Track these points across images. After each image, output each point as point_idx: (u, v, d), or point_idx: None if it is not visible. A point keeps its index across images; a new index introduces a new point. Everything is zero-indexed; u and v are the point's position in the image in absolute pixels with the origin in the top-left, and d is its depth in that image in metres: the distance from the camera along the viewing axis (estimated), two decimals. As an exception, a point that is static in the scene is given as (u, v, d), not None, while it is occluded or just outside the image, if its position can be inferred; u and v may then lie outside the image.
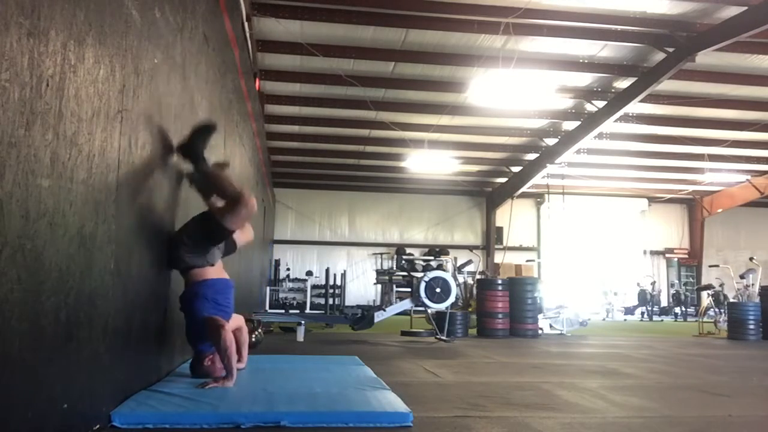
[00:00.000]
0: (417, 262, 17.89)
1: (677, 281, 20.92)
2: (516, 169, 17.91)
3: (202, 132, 3.88)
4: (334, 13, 9.05)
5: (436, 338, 8.58)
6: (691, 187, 19.79)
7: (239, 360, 3.94)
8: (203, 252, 3.77)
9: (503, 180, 19.18)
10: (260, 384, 3.67)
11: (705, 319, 12.01)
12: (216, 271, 3.87)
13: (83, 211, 2.32)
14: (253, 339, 5.91)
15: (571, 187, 18.95)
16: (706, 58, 10.01)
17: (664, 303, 20.33)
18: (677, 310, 19.16)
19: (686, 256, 21.74)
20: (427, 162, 14.72)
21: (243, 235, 4.22)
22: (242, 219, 3.79)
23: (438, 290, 8.64)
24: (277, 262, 18.76)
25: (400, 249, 19.26)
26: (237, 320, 4.13)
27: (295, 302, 17.38)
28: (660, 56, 10.28)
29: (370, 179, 19.14)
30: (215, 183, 3.84)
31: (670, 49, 9.89)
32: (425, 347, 7.59)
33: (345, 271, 18.64)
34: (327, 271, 15.76)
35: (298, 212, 20.00)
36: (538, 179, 17.08)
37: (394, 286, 16.24)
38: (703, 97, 12.16)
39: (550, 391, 4.19)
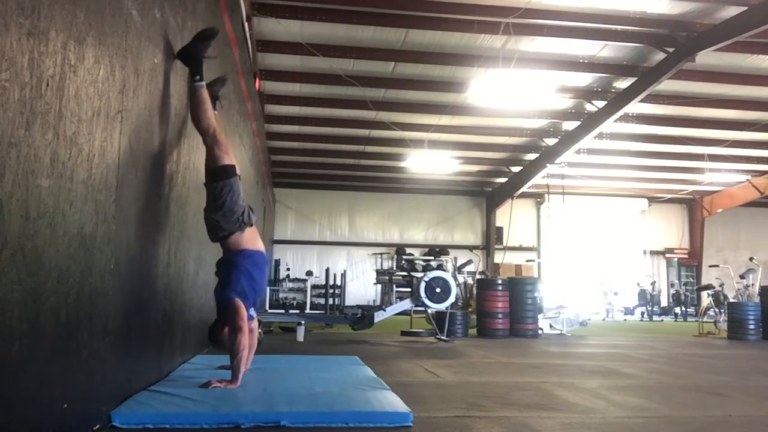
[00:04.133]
0: (417, 262, 17.88)
1: (677, 281, 20.91)
2: (516, 169, 17.91)
3: (203, 38, 3.89)
4: (334, 13, 9.05)
5: (436, 338, 8.59)
6: (691, 187, 19.79)
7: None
8: (231, 209, 3.79)
9: (503, 180, 19.19)
10: (260, 384, 3.67)
11: (705, 319, 12.01)
12: (251, 239, 3.92)
13: (83, 211, 2.32)
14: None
15: (571, 187, 18.95)
16: (706, 58, 10.01)
17: (664, 303, 20.32)
18: (677, 310, 19.16)
19: (686, 256, 21.73)
20: (427, 162, 14.72)
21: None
22: (216, 154, 3.86)
23: (438, 290, 8.64)
24: (277, 262, 18.76)
25: (400, 249, 19.26)
26: (252, 323, 4.10)
27: (295, 302, 17.37)
28: (660, 56, 10.28)
29: (370, 179, 19.14)
30: (192, 106, 3.93)
31: (670, 49, 9.89)
32: (425, 347, 7.59)
33: (345, 271, 18.63)
34: (327, 271, 15.75)
35: (298, 212, 19.99)
36: (538, 179, 17.08)
37: (394, 286, 16.23)
38: (703, 97, 12.16)
39: (550, 391, 4.19)
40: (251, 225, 3.92)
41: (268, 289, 15.94)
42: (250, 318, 3.90)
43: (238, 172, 3.97)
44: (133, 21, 2.86)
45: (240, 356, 3.56)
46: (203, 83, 3.88)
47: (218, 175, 3.84)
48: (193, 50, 3.84)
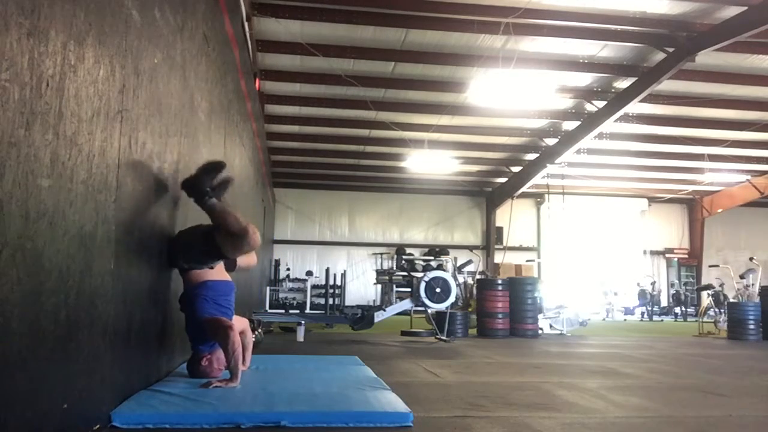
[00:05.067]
0: (417, 262, 17.88)
1: (677, 281, 20.91)
2: (516, 169, 17.91)
3: (209, 170, 3.77)
4: (334, 13, 9.05)
5: (436, 338, 8.58)
6: (691, 187, 19.79)
7: (242, 362, 3.94)
8: (201, 263, 3.78)
9: (503, 180, 19.18)
10: (260, 384, 3.67)
11: (705, 319, 12.01)
12: (216, 272, 3.88)
13: (83, 211, 2.32)
14: (253, 339, 5.91)
15: (571, 187, 18.94)
16: (706, 58, 10.01)
17: (664, 303, 20.32)
18: (677, 310, 19.16)
19: (686, 256, 21.73)
20: (427, 162, 14.71)
21: (245, 259, 4.23)
22: (243, 252, 3.76)
23: (438, 290, 8.64)
24: (277, 262, 18.75)
25: (400, 249, 19.25)
26: (242, 323, 4.14)
27: (295, 302, 17.35)
28: (660, 56, 10.28)
29: (370, 179, 19.14)
30: (219, 220, 3.68)
31: (670, 49, 9.88)
32: (425, 347, 7.59)
33: (345, 271, 18.62)
34: (327, 271, 15.74)
35: (298, 212, 19.99)
36: (538, 179, 17.08)
37: (394, 286, 16.23)
38: (703, 97, 12.15)
39: (550, 391, 4.19)
40: (212, 268, 3.85)
41: (268, 289, 15.94)
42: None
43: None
44: (133, 21, 2.86)
45: (236, 355, 3.57)
46: (213, 199, 3.71)
47: (209, 247, 3.67)
48: (198, 183, 3.72)
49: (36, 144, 1.91)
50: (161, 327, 3.76)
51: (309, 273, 18.09)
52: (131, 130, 2.89)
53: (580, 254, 20.36)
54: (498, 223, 20.42)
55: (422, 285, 8.67)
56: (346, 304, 17.61)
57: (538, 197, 20.57)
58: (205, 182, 3.72)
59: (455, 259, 14.53)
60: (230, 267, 4.12)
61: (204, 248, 3.71)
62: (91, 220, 2.41)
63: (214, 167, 3.82)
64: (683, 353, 7.47)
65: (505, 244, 18.93)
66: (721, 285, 13.01)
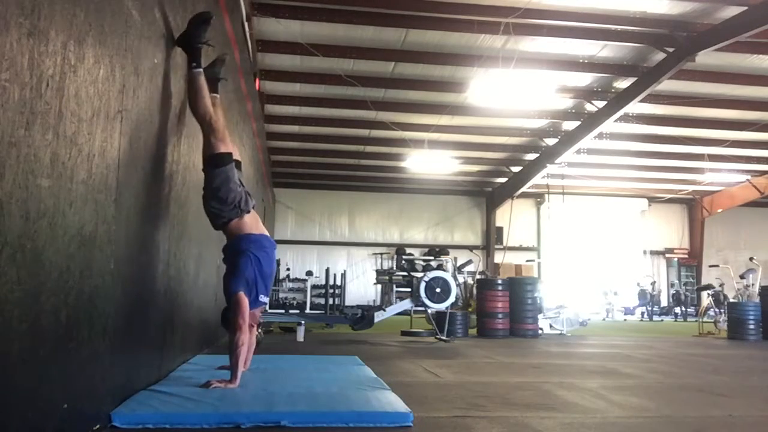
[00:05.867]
0: (417, 262, 17.88)
1: (677, 281, 20.91)
2: (516, 169, 17.92)
3: (199, 23, 3.89)
4: (334, 13, 9.05)
5: (436, 338, 8.58)
6: (691, 187, 19.80)
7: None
8: (226, 196, 3.77)
9: (503, 180, 19.19)
10: (260, 384, 3.67)
11: (705, 319, 12.01)
12: (253, 224, 3.91)
13: (83, 211, 2.32)
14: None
15: (571, 187, 18.95)
16: (706, 58, 10.01)
17: (664, 303, 20.33)
18: (677, 310, 19.16)
19: (686, 256, 21.74)
20: (427, 162, 14.72)
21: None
22: (215, 142, 3.85)
23: (438, 290, 8.64)
24: (277, 262, 18.69)
25: (400, 249, 19.26)
26: (253, 318, 4.07)
27: (295, 302, 17.36)
28: (660, 56, 10.28)
29: (370, 179, 19.15)
30: (189, 93, 3.92)
31: (670, 49, 9.89)
32: (425, 347, 7.59)
33: (345, 271, 18.63)
34: (327, 271, 15.75)
35: (298, 212, 19.99)
36: (538, 179, 17.08)
37: (394, 286, 16.23)
38: (703, 97, 12.16)
39: (550, 391, 4.19)
40: (248, 211, 3.90)
41: (268, 289, 15.91)
42: (262, 304, 3.90)
43: (236, 157, 3.98)
44: (133, 21, 2.86)
45: (238, 354, 3.56)
46: (200, 70, 3.87)
47: (213, 162, 3.85)
48: (190, 37, 3.85)
49: (36, 144, 1.91)
50: (161, 327, 3.76)
51: (309, 273, 18.09)
52: (131, 130, 2.89)
53: (580, 254, 20.36)
54: (498, 223, 20.42)
55: (422, 285, 8.67)
56: (346, 304, 17.62)
57: (538, 197, 20.58)
58: (196, 36, 3.85)
59: (455, 259, 14.53)
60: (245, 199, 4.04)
61: (210, 164, 3.83)
62: (91, 220, 2.41)
63: (204, 18, 3.92)
64: (683, 353, 7.47)
65: (505, 244, 18.94)
66: (721, 285, 13.00)
